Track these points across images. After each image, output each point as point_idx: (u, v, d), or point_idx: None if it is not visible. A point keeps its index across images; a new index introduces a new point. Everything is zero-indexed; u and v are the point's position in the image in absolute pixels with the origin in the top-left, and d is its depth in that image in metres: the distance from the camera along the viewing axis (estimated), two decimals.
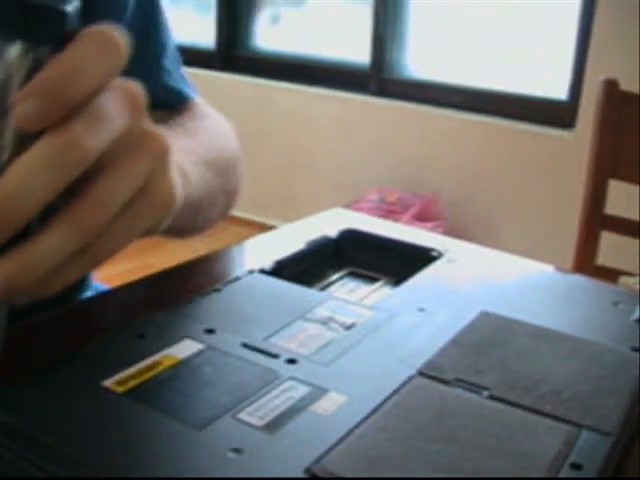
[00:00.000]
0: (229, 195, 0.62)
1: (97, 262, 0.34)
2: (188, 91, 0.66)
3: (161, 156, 0.34)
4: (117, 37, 0.32)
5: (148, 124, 0.34)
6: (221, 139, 0.62)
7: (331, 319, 0.48)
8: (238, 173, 0.64)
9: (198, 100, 0.67)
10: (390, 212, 2.36)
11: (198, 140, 0.56)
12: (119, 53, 0.32)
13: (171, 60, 0.65)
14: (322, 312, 0.49)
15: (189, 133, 0.57)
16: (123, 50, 0.32)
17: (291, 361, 0.42)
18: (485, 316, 0.49)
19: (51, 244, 0.31)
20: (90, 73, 0.31)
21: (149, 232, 0.36)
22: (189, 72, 0.68)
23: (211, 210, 0.58)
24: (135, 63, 0.66)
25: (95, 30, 0.32)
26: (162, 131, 0.35)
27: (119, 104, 0.32)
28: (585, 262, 1.28)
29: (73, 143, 0.30)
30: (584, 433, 0.37)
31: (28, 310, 0.37)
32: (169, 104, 0.63)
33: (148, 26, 0.63)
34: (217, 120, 0.65)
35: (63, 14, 0.31)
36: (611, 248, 1.37)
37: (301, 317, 0.48)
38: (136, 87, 0.34)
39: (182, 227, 0.54)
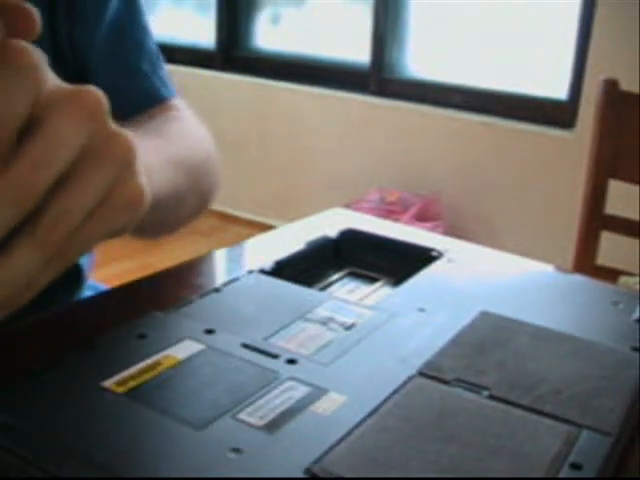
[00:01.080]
0: (201, 195, 0.62)
1: (65, 265, 0.33)
2: (164, 92, 0.66)
3: (126, 162, 0.33)
4: (30, 57, 0.29)
5: (111, 125, 0.33)
6: (192, 140, 0.62)
7: (331, 319, 0.48)
8: (212, 173, 0.63)
9: (175, 101, 0.66)
10: (390, 212, 2.36)
11: (167, 140, 0.56)
12: (35, 75, 0.29)
13: (148, 61, 0.65)
14: (322, 312, 0.49)
15: (158, 133, 0.57)
16: (36, 70, 0.30)
17: (291, 361, 0.42)
18: (485, 316, 0.49)
19: (17, 265, 0.30)
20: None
21: (120, 232, 0.36)
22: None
23: (180, 209, 0.58)
24: (109, 61, 0.66)
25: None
26: (128, 132, 0.34)
27: (73, 122, 0.31)
28: (585, 262, 1.28)
29: (20, 180, 0.29)
30: (584, 433, 0.37)
31: (22, 311, 0.37)
32: (142, 106, 0.63)
33: (124, 26, 0.63)
34: (190, 122, 0.65)
35: None
36: (611, 248, 1.37)
37: (301, 317, 0.48)
38: (93, 93, 0.32)
39: (149, 225, 0.53)
